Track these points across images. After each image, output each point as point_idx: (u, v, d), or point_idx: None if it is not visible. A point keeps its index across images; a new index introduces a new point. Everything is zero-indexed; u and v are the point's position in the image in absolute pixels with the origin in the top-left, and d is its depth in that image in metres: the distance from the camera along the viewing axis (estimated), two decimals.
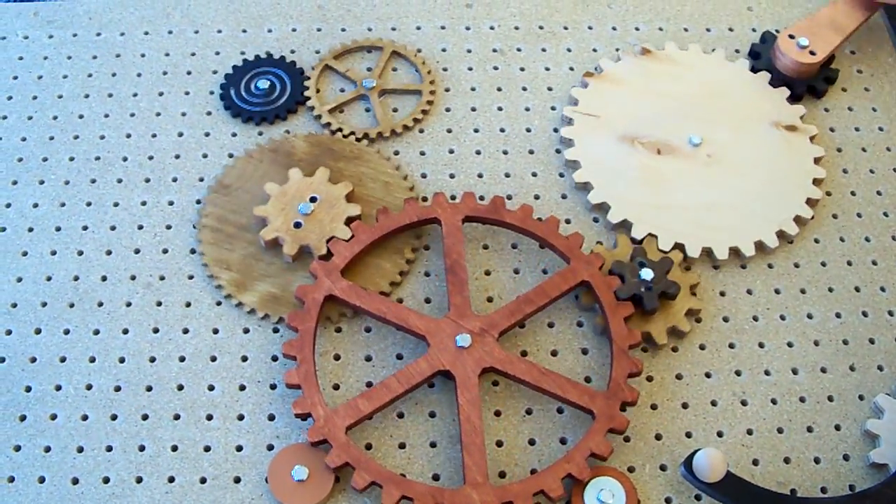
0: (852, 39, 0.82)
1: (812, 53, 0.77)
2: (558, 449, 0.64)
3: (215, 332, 0.67)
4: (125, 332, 0.67)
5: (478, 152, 0.76)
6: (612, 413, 0.62)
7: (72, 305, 0.68)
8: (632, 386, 0.63)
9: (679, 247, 0.70)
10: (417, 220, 0.69)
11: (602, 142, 0.75)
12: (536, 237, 0.69)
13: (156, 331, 0.67)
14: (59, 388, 0.65)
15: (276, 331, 0.67)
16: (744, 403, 0.66)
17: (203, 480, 0.62)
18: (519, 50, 0.81)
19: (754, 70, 0.79)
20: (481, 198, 0.71)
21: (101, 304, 0.68)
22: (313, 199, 0.70)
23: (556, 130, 0.77)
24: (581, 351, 0.67)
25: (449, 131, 0.76)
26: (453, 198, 0.72)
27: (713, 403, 0.66)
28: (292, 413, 0.63)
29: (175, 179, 0.73)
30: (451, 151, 0.75)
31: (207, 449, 0.63)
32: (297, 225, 0.69)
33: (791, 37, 0.77)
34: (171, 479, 0.62)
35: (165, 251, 0.70)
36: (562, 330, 0.68)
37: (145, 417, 0.64)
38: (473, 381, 0.63)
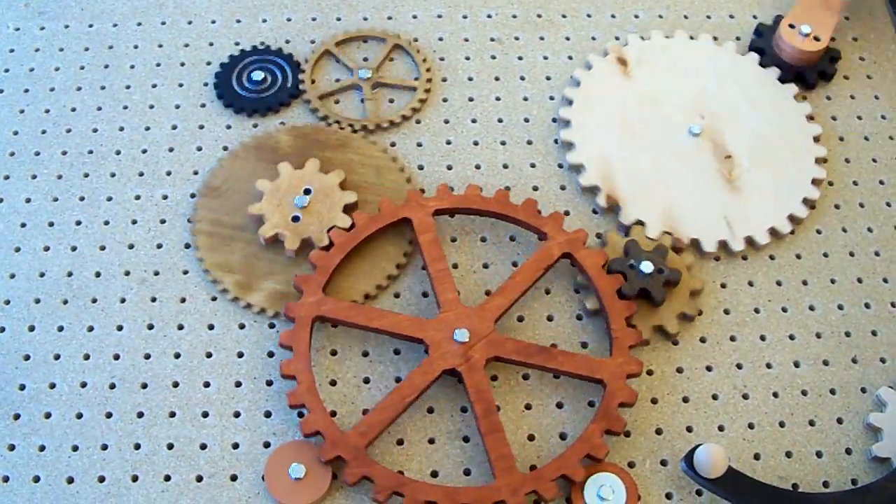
0: (853, 25, 0.81)
1: (816, 39, 0.76)
2: (558, 444, 0.63)
3: (210, 327, 0.66)
4: (119, 328, 0.66)
5: (475, 143, 0.75)
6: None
7: (65, 302, 0.67)
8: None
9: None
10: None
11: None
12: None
13: (150, 327, 0.66)
14: (53, 385, 0.64)
15: (272, 326, 0.66)
16: (745, 397, 0.65)
17: (199, 479, 0.61)
18: (517, 38, 0.80)
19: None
20: (451, 188, 0.70)
21: (95, 301, 0.67)
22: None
23: (554, 120, 0.76)
24: (581, 345, 0.67)
25: (446, 122, 0.76)
26: (451, 189, 0.72)
27: (714, 397, 0.65)
28: (288, 409, 0.62)
29: (169, 173, 0.72)
30: (449, 142, 0.75)
31: (203, 447, 0.62)
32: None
33: (791, 26, 0.76)
34: (167, 478, 0.61)
35: (160, 246, 0.69)
36: (561, 323, 0.67)
37: (140, 415, 0.63)
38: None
